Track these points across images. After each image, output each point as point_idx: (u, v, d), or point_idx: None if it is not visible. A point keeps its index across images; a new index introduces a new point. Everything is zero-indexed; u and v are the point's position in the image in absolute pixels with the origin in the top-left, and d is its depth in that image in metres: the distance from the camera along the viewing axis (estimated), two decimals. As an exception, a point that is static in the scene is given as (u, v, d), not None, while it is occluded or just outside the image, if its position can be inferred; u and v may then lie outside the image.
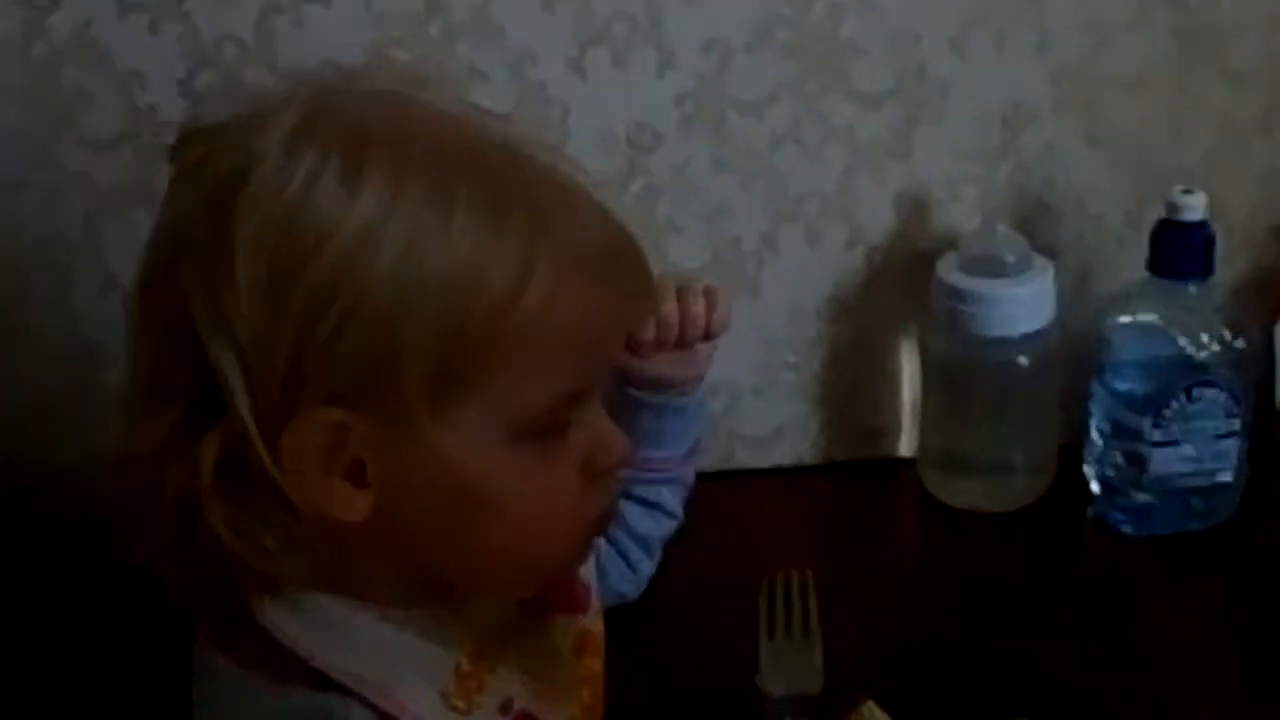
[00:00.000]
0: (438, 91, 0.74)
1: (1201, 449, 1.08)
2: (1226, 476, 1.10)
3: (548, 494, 0.73)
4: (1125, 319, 1.10)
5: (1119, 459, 1.11)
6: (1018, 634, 1.02)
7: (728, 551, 1.09)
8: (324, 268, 0.66)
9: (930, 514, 1.16)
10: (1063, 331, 1.12)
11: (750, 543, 1.11)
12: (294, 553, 0.70)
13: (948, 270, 1.10)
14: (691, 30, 1.07)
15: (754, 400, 1.18)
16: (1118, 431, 1.10)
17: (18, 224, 1.06)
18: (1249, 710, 0.96)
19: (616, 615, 0.91)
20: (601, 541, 0.94)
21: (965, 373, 1.12)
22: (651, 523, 1.00)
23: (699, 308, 0.95)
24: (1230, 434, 1.09)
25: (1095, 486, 1.13)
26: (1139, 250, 1.08)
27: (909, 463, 1.19)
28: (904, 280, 1.15)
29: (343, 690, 0.71)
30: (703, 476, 1.04)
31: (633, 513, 0.99)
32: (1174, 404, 1.07)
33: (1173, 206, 1.05)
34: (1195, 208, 1.05)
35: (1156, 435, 1.08)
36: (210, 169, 0.69)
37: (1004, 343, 1.09)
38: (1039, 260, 1.10)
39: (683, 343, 0.96)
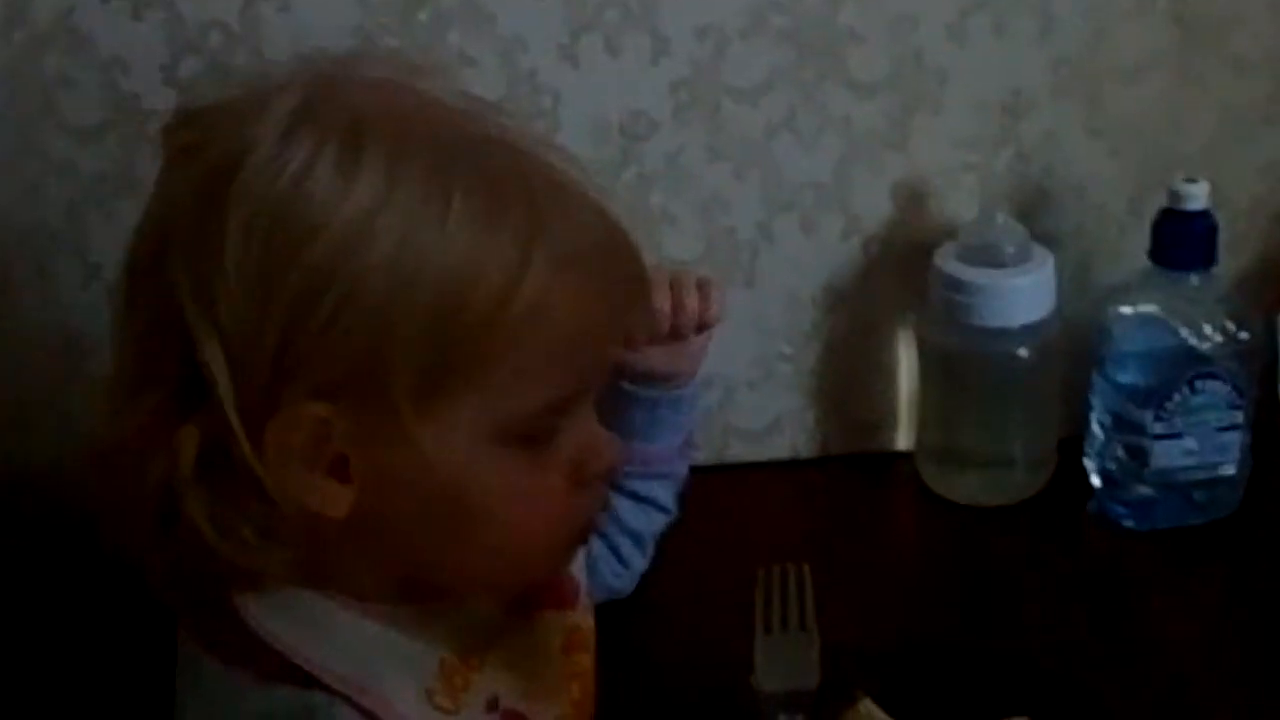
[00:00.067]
0: (439, 82, 0.73)
1: (1204, 442, 1.08)
2: (1229, 470, 1.10)
3: (533, 499, 0.72)
4: (1126, 310, 1.09)
5: (1120, 452, 1.10)
6: (1017, 630, 1.02)
7: (722, 546, 1.09)
8: (316, 258, 0.65)
9: (928, 508, 1.15)
10: (1063, 322, 1.11)
11: (745, 538, 1.11)
12: (275, 547, 0.69)
13: (946, 260, 1.10)
14: (685, 17, 1.06)
15: (749, 393, 1.18)
16: (1119, 424, 1.10)
17: (-1, 213, 1.06)
18: (1251, 706, 0.95)
19: (609, 611, 0.91)
20: (592, 536, 0.93)
21: (964, 364, 1.12)
22: (644, 517, 1.00)
23: (692, 299, 0.95)
24: (1233, 426, 1.08)
25: (1096, 480, 1.13)
26: (1140, 240, 1.08)
27: (906, 456, 1.19)
28: (902, 270, 1.14)
29: (326, 688, 0.70)
30: (697, 470, 1.04)
31: (625, 507, 0.98)
32: (1176, 396, 1.07)
33: (1175, 195, 1.05)
34: (1198, 197, 1.05)
35: (1158, 428, 1.08)
36: (203, 155, 0.68)
37: (1003, 334, 1.09)
38: (1039, 250, 1.10)
39: (676, 335, 0.95)
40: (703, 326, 0.96)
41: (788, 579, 0.98)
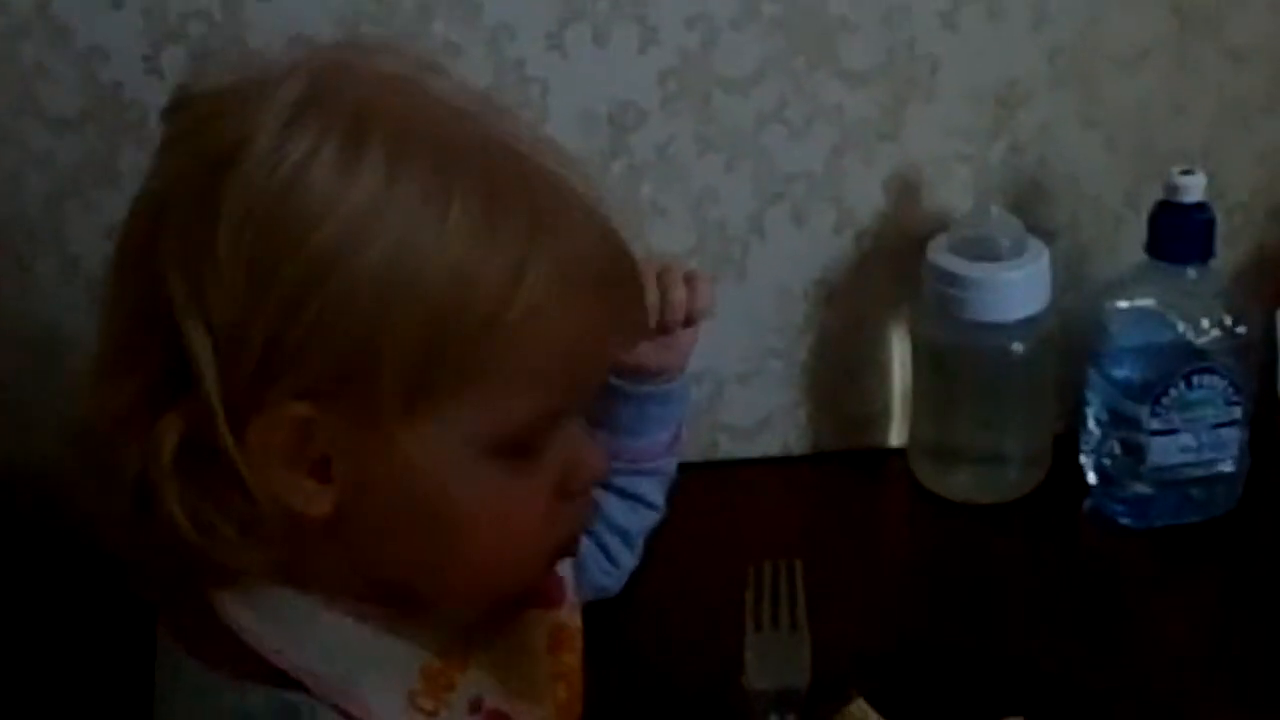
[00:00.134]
0: (452, 81, 0.72)
1: (1201, 438, 1.08)
2: (1227, 466, 1.09)
3: (515, 512, 0.72)
4: (1123, 304, 1.09)
5: (1116, 448, 1.10)
6: (1011, 629, 1.02)
7: (712, 544, 1.09)
8: (311, 253, 0.65)
9: (921, 506, 1.15)
10: (1058, 317, 1.11)
11: (736, 535, 1.10)
12: (253, 544, 0.68)
13: (939, 253, 1.10)
14: (675, 5, 1.06)
15: (739, 388, 1.17)
16: (1115, 420, 1.09)
17: (-24, 205, 1.06)
18: (1249, 706, 0.95)
19: (597, 610, 0.90)
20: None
21: (957, 359, 1.12)
22: (632, 515, 0.99)
23: (680, 292, 0.94)
24: (1231, 422, 1.08)
25: (1092, 477, 1.13)
26: (1137, 233, 1.08)
27: (899, 453, 1.19)
28: (894, 264, 1.14)
29: (305, 689, 0.70)
30: (686, 467, 1.04)
31: (613, 504, 0.98)
32: (1173, 391, 1.06)
33: (1172, 188, 1.05)
34: (1195, 189, 1.04)
35: (1155, 424, 1.07)
36: (202, 139, 0.67)
37: (998, 328, 1.09)
38: (1034, 243, 1.10)
39: (664, 329, 0.94)
40: (691, 320, 0.95)
41: (779, 576, 0.98)
